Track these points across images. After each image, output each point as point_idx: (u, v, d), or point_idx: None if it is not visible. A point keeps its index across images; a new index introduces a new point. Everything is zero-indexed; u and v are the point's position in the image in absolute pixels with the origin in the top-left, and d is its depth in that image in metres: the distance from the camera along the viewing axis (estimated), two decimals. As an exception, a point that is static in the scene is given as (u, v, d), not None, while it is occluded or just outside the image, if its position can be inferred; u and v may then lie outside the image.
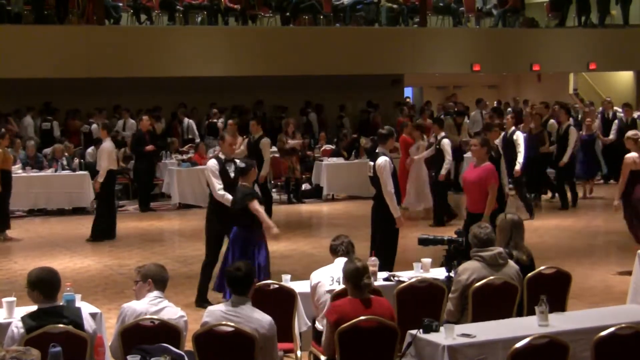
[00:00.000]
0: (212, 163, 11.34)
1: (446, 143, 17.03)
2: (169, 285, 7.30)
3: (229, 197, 10.90)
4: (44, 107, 22.45)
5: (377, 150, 11.91)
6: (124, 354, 6.66)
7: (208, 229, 11.37)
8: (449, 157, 16.97)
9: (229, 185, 11.11)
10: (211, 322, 6.82)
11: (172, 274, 7.69)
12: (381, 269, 9.60)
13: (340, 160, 20.88)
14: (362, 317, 7.00)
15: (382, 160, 11.46)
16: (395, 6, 25.54)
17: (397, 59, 24.44)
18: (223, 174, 11.13)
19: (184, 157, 20.44)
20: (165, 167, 20.02)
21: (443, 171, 16.89)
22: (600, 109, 23.99)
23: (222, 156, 11.40)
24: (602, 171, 22.97)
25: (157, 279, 7.18)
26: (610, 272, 12.94)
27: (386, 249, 11.34)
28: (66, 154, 19.47)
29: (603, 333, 6.74)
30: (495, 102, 26.73)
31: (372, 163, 11.60)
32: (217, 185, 11.07)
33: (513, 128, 17.42)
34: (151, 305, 7.03)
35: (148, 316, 6.90)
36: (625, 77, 30.46)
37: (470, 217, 11.29)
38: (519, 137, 17.12)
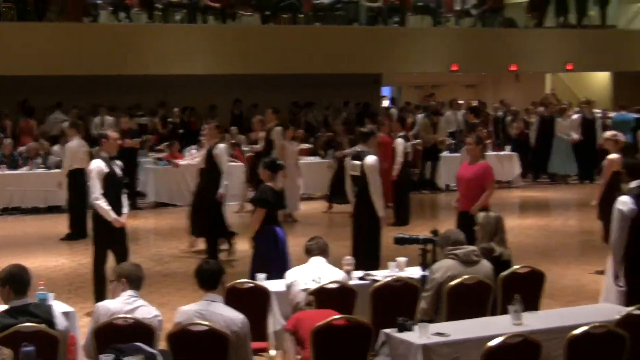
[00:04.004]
0: (99, 164, 10.75)
1: (399, 142, 17.08)
2: (144, 284, 7.29)
3: (105, 206, 10.57)
4: (21, 104, 22.35)
5: (358, 150, 11.87)
6: (98, 353, 6.64)
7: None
8: (399, 157, 17.00)
9: (117, 185, 10.95)
10: (184, 322, 6.82)
11: (147, 273, 7.67)
12: (367, 268, 9.64)
13: (317, 159, 20.87)
14: (336, 316, 7.04)
15: (372, 159, 11.44)
16: (374, 5, 25.56)
17: (376, 58, 24.47)
18: (112, 174, 10.85)
19: (160, 155, 20.37)
20: (142, 165, 19.98)
21: (394, 172, 16.90)
22: (576, 109, 24.14)
23: (104, 155, 10.88)
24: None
25: (132, 278, 7.16)
26: (584, 272, 13.02)
27: (371, 247, 11.38)
28: (41, 152, 19.40)
29: (576, 332, 6.78)
30: (475, 102, 26.79)
31: (357, 162, 11.55)
32: (97, 190, 10.59)
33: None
34: (125, 304, 7.02)
35: (122, 315, 6.89)
36: (600, 77, 30.59)
37: (462, 215, 11.27)
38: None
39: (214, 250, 13.66)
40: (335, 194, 18.59)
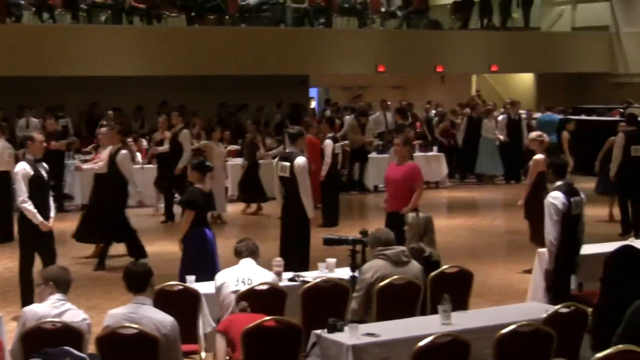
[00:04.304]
0: (25, 167, 10.62)
1: (327, 144, 17.17)
2: (71, 287, 7.21)
3: (32, 209, 10.46)
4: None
5: (287, 150, 11.89)
6: (25, 357, 6.57)
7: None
8: (327, 159, 17.09)
9: (44, 188, 10.77)
10: (113, 325, 6.77)
11: (74, 276, 7.58)
12: (297, 269, 9.65)
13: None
14: (266, 318, 7.04)
15: (302, 160, 11.43)
16: (301, 7, 25.60)
17: (303, 60, 24.49)
18: (38, 177, 10.70)
19: (87, 157, 20.11)
20: (68, 168, 19.74)
21: (322, 172, 16.98)
22: (502, 109, 24.40)
23: (30, 157, 10.74)
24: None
25: (59, 282, 7.10)
26: (511, 271, 13.17)
27: (301, 249, 11.41)
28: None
29: (504, 331, 6.87)
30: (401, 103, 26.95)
31: (286, 163, 11.54)
32: (24, 193, 10.45)
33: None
34: (53, 308, 6.95)
35: (50, 319, 6.82)
36: (525, 78, 31.02)
37: (391, 216, 11.33)
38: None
39: (138, 249, 13.56)
40: (246, 193, 18.50)
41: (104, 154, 13.91)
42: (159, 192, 18.19)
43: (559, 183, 9.53)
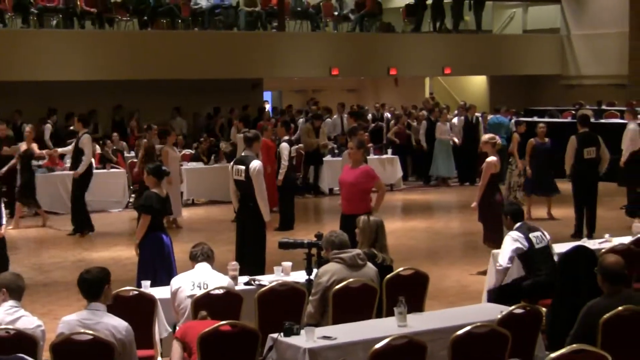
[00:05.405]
0: None
1: (284, 147, 17.15)
2: (25, 294, 7.15)
3: None
4: None
5: (243, 154, 11.88)
6: (-22, 365, 6.51)
7: None
8: (284, 162, 17.08)
9: None
10: (67, 332, 6.72)
11: (28, 283, 7.53)
12: (253, 273, 9.64)
13: (200, 164, 20.78)
14: (222, 322, 7.02)
15: (257, 163, 11.46)
16: (254, 10, 25.58)
17: (256, 63, 24.47)
18: None
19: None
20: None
21: (280, 176, 16.97)
22: (456, 112, 24.49)
23: None
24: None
25: (12, 288, 7.03)
26: (465, 272, 13.23)
27: (257, 252, 11.40)
28: None
29: (459, 332, 6.89)
30: (355, 106, 27.00)
31: (241, 167, 11.53)
32: None
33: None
34: (6, 315, 6.90)
35: (3, 326, 6.75)
36: (478, 81, 31.21)
37: (345, 219, 11.30)
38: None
39: None
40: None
41: None
42: (23, 204, 17.69)
43: (516, 225, 9.77)
